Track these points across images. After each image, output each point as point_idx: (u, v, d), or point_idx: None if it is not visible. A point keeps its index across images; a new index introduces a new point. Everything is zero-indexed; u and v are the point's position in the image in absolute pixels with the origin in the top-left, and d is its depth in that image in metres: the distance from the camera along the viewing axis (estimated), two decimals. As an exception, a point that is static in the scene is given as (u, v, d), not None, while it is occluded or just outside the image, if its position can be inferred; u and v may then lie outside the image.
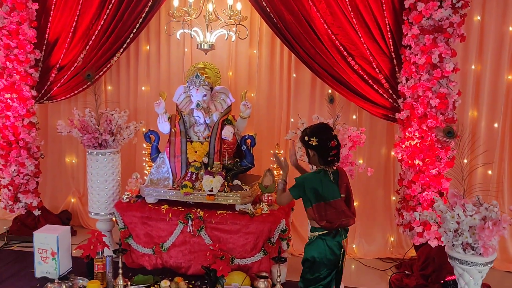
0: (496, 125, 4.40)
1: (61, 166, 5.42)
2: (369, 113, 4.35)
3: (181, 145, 4.17)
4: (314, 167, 3.04)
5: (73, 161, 5.43)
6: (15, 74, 4.61)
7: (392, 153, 4.62)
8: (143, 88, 5.14)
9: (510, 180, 4.47)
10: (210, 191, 3.97)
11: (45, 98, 4.86)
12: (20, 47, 4.57)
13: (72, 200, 5.44)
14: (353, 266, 4.52)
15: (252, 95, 4.86)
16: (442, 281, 3.69)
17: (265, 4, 4.23)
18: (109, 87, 5.17)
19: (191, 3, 4.09)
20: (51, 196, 5.38)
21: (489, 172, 4.47)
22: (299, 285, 3.02)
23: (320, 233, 2.89)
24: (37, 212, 4.87)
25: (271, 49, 4.82)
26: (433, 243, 3.84)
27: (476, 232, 2.49)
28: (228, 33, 4.16)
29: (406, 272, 4.16)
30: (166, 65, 5.05)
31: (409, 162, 3.93)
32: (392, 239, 4.75)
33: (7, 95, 4.63)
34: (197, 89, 4.16)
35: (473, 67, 4.36)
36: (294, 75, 4.78)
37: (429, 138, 3.81)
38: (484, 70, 4.37)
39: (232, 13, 4.09)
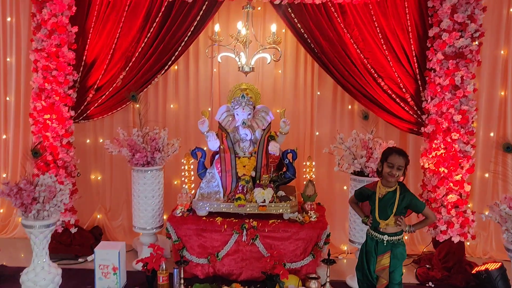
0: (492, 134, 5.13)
1: (86, 183, 5.46)
2: (392, 127, 4.89)
3: (231, 160, 4.49)
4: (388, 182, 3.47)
5: (99, 178, 5.52)
6: (54, 95, 4.65)
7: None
8: (171, 106, 5.35)
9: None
10: (262, 202, 4.33)
11: (81, 118, 4.92)
12: (60, 69, 4.61)
13: (98, 216, 5.53)
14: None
15: (278, 111, 5.23)
16: (473, 272, 4.29)
17: (303, 31, 4.64)
18: (137, 105, 5.32)
19: (240, 30, 4.41)
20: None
21: (486, 175, 5.19)
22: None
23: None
24: (73, 230, 4.91)
25: (295, 69, 5.25)
26: (456, 239, 4.47)
27: (534, 228, 3.11)
28: (272, 57, 4.51)
29: (427, 266, 4.74)
30: (194, 84, 5.31)
31: (435, 169, 4.51)
32: (406, 237, 5.33)
33: (46, 116, 4.65)
34: (243, 109, 4.50)
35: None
36: (318, 93, 5.23)
37: (452, 149, 4.42)
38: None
39: (275, 39, 4.45)
